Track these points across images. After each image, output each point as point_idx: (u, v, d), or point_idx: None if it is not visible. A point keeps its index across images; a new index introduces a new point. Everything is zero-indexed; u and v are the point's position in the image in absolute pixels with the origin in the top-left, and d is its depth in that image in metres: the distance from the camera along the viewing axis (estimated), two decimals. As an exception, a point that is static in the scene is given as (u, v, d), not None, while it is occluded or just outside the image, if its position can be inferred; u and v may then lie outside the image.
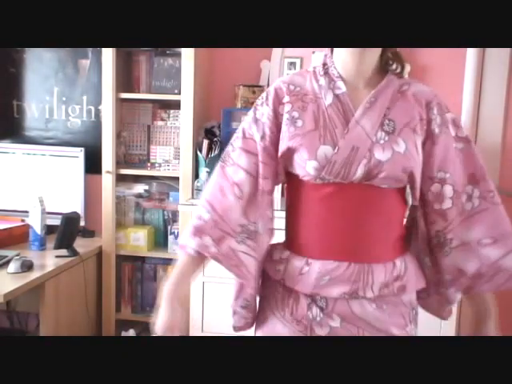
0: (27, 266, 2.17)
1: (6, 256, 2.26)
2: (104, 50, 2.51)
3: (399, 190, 1.23)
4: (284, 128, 1.20)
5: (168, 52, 2.58)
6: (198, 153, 2.48)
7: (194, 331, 2.33)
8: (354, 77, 1.21)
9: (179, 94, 2.49)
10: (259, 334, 1.32)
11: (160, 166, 2.61)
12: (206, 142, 2.48)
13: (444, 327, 2.16)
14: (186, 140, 2.50)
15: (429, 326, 2.22)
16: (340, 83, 1.20)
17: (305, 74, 1.26)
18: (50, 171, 2.69)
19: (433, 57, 2.55)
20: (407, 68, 1.31)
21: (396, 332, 1.22)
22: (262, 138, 1.23)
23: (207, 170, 2.43)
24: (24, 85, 2.80)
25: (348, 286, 1.18)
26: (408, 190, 1.28)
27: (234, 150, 1.25)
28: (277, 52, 2.60)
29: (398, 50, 1.27)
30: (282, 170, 1.24)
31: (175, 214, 2.63)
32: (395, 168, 1.16)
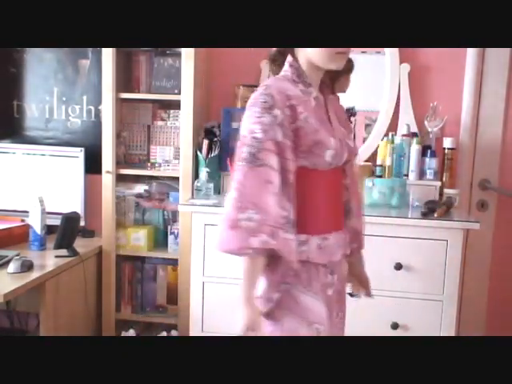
0: (27, 266, 2.17)
1: (6, 256, 2.26)
2: (104, 49, 2.51)
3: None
4: (302, 126, 1.38)
5: (168, 52, 2.58)
6: (198, 153, 2.48)
7: (194, 331, 2.33)
8: (315, 84, 1.46)
9: (179, 94, 2.49)
10: (289, 316, 1.41)
11: (160, 166, 2.61)
12: (205, 142, 2.48)
13: (444, 327, 2.16)
14: (185, 140, 2.49)
15: (429, 325, 2.22)
16: (311, 89, 1.43)
17: (284, 80, 1.42)
18: (50, 171, 2.69)
19: (433, 57, 2.55)
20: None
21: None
22: (285, 138, 1.36)
23: (207, 170, 2.43)
24: (24, 85, 2.80)
25: (343, 249, 1.51)
26: None
27: (260, 152, 1.33)
28: (277, 52, 2.60)
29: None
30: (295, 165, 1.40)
31: (175, 214, 2.63)
32: (356, 152, 1.57)
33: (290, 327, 1.39)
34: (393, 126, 2.54)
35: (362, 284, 1.68)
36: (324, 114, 1.45)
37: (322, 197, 1.44)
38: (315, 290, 1.42)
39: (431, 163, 2.43)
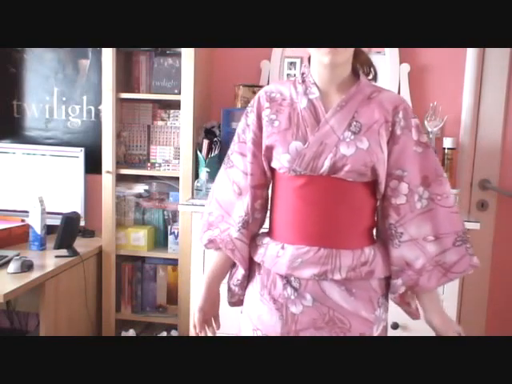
0: (27, 266, 2.17)
1: (6, 256, 2.26)
2: (104, 50, 2.51)
3: (367, 184, 1.34)
4: (264, 129, 1.37)
5: (168, 52, 2.58)
6: (198, 153, 2.48)
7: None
8: (327, 84, 1.35)
9: (179, 94, 2.49)
10: (244, 309, 1.46)
11: (160, 166, 2.61)
12: (206, 142, 2.48)
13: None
14: (186, 140, 2.50)
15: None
16: (314, 89, 1.34)
17: (286, 83, 1.42)
18: (50, 171, 2.69)
19: (433, 57, 2.55)
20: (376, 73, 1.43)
21: (365, 315, 1.33)
22: (249, 140, 1.40)
23: (207, 169, 2.42)
24: (24, 85, 2.80)
25: (318, 268, 1.31)
26: None
27: (232, 153, 1.44)
28: (277, 52, 2.60)
29: (368, 57, 1.41)
30: (267, 166, 1.39)
31: (175, 213, 2.63)
32: (358, 162, 1.29)
33: (241, 324, 1.46)
34: (393, 126, 2.54)
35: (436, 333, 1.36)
36: (313, 115, 1.32)
37: (289, 203, 1.35)
38: (267, 297, 1.37)
39: (431, 163, 2.43)
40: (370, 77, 1.41)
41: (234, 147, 1.44)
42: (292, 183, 1.34)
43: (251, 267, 1.43)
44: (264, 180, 1.41)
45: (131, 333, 2.64)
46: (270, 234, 1.42)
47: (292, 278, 1.34)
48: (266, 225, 1.46)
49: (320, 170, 1.30)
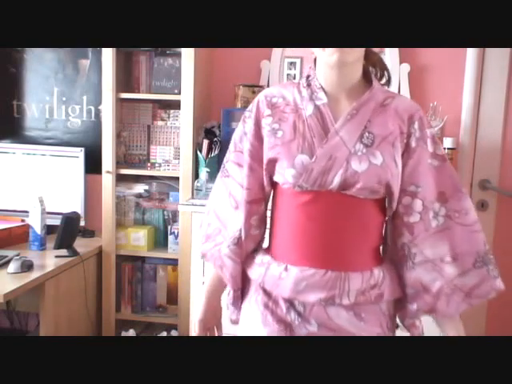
0: (27, 266, 2.17)
1: (6, 256, 2.26)
2: (104, 50, 2.51)
3: (377, 201, 1.24)
4: (266, 139, 1.25)
5: (168, 52, 2.58)
6: (198, 153, 2.48)
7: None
8: (336, 88, 1.23)
9: (179, 94, 2.49)
10: (240, 329, 1.36)
11: (160, 166, 2.61)
12: (206, 142, 2.48)
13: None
14: (186, 140, 2.50)
15: (429, 326, 2.22)
16: (321, 94, 1.23)
17: (288, 86, 1.30)
18: (50, 171, 2.69)
19: (433, 57, 2.55)
20: (391, 76, 1.33)
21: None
22: (246, 151, 1.28)
23: (207, 169, 2.43)
24: (24, 85, 2.80)
25: (324, 292, 1.20)
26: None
27: (228, 162, 1.33)
28: (277, 52, 2.60)
29: (381, 59, 1.31)
30: (268, 180, 1.28)
31: (175, 213, 2.63)
32: (371, 179, 1.18)
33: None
34: (393, 126, 2.54)
35: None
36: (321, 124, 1.21)
37: (293, 220, 1.24)
38: (270, 318, 1.26)
39: (431, 163, 2.43)
40: (383, 81, 1.30)
41: (229, 155, 1.33)
42: (296, 199, 1.22)
43: (248, 286, 1.34)
44: (262, 195, 1.29)
45: (131, 333, 2.64)
46: (270, 251, 1.31)
47: (296, 302, 1.23)
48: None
49: (329, 187, 1.18)
